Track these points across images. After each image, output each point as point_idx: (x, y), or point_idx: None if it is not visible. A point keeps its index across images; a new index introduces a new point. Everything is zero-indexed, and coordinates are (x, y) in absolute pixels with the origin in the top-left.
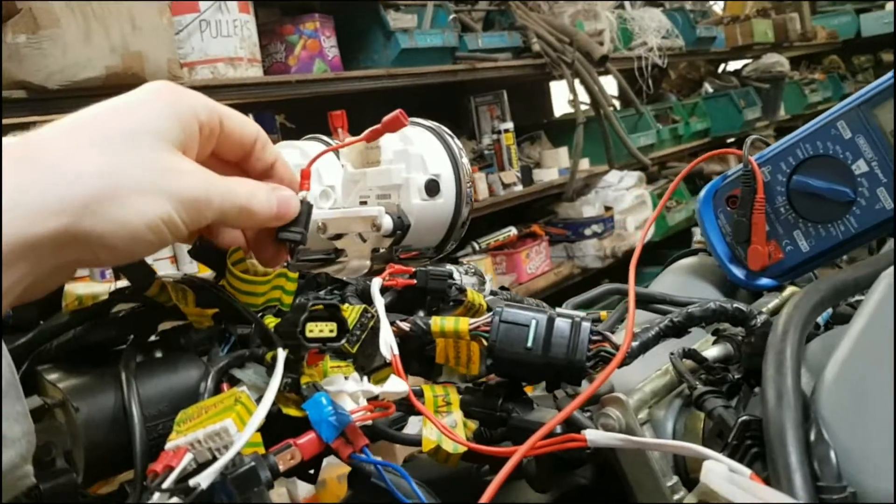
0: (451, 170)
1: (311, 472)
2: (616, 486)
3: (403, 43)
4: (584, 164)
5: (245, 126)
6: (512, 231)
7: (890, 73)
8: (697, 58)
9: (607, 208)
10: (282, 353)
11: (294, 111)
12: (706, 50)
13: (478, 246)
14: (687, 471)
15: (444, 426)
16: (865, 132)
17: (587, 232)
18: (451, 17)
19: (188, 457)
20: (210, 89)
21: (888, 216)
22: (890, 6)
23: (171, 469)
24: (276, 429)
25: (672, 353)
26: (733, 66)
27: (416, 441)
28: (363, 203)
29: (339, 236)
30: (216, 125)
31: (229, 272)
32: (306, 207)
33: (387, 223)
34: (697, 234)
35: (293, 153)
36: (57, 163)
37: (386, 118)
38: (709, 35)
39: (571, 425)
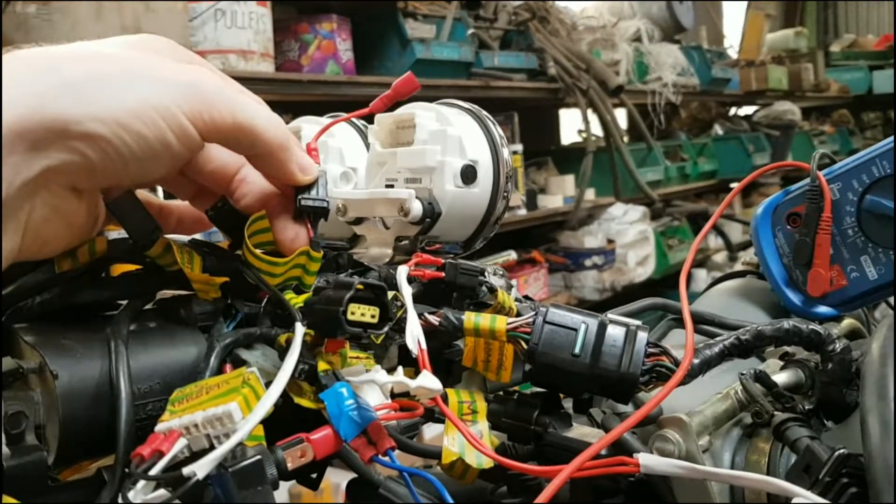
0: (490, 158)
1: (314, 475)
2: None
3: (419, 53)
4: (590, 194)
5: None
6: (512, 255)
7: None
8: (711, 98)
9: (609, 241)
10: (300, 329)
11: (302, 112)
12: (720, 91)
13: None
14: None
15: (472, 435)
16: None
17: (587, 263)
18: (470, 31)
19: (181, 442)
20: None
21: None
22: None
23: (160, 454)
24: (281, 425)
25: (743, 374)
26: (745, 111)
27: (433, 453)
28: (389, 187)
29: (359, 221)
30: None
31: (245, 247)
32: (321, 176)
33: (416, 208)
34: (699, 275)
35: (314, 129)
36: (47, 48)
37: (397, 81)
38: (724, 76)
39: (619, 447)
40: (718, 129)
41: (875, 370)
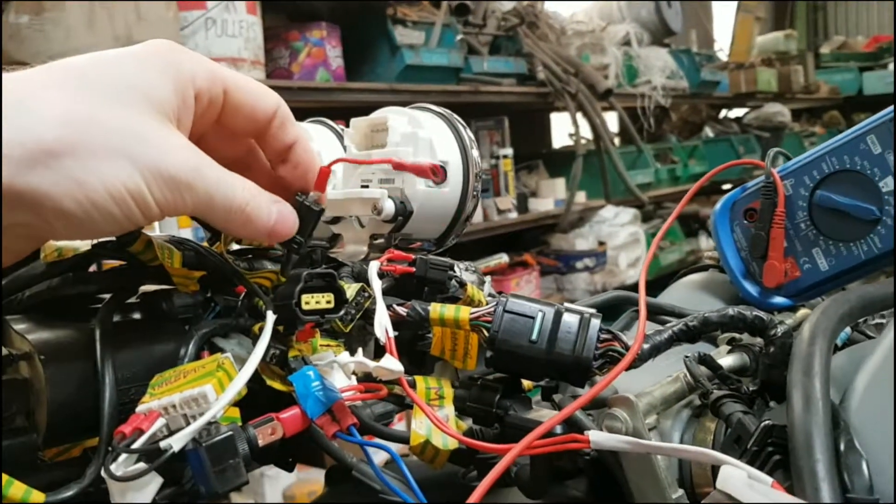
0: (459, 159)
1: (290, 459)
2: (611, 502)
3: (409, 59)
4: (581, 196)
5: (260, 99)
6: (503, 258)
7: None
8: (700, 100)
9: (601, 243)
10: (271, 317)
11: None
12: (709, 94)
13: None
14: (693, 485)
15: (436, 417)
16: None
17: (579, 265)
18: (459, 37)
19: (160, 421)
20: None
21: None
22: (893, 67)
23: (140, 432)
24: (259, 407)
25: (687, 357)
26: (735, 113)
27: (403, 438)
28: (365, 187)
29: (336, 220)
30: (218, 95)
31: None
32: (314, 213)
33: (388, 207)
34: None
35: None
36: (22, 99)
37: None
38: (713, 79)
39: (573, 427)
40: (709, 132)
41: (803, 348)
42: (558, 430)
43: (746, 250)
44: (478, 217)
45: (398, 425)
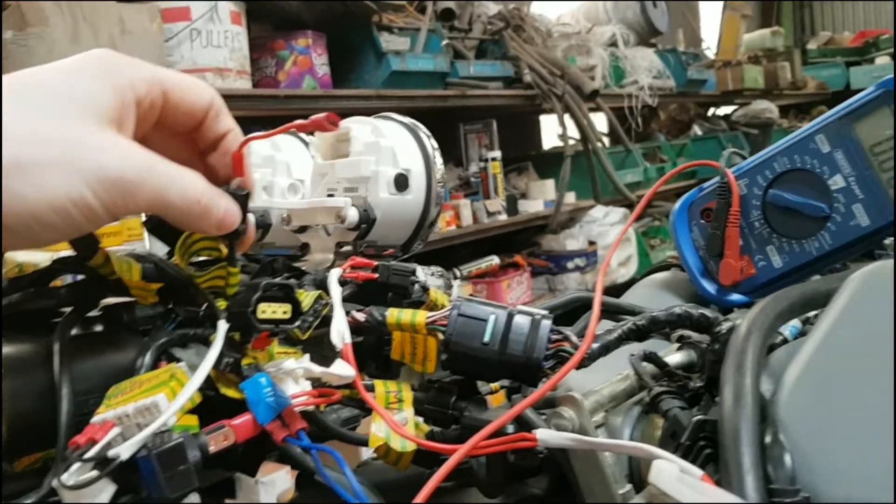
0: (422, 166)
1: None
2: (571, 499)
3: (395, 65)
4: (570, 197)
5: (197, 94)
6: (494, 260)
7: (872, 87)
8: (688, 99)
9: (591, 243)
10: (223, 325)
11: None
12: (696, 92)
13: (459, 273)
14: (642, 479)
15: (392, 420)
16: (844, 147)
17: (570, 265)
18: (444, 42)
19: (114, 431)
20: None
21: (863, 233)
22: (879, 61)
23: (93, 442)
24: (220, 415)
25: (632, 355)
26: (723, 110)
27: (366, 441)
28: (331, 196)
29: (303, 229)
30: (157, 98)
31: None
32: (241, 198)
33: (352, 215)
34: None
35: (263, 143)
36: None
37: (317, 117)
38: (700, 77)
39: (524, 426)
40: (697, 130)
41: (738, 344)
42: (510, 429)
43: (704, 249)
44: (468, 220)
45: None
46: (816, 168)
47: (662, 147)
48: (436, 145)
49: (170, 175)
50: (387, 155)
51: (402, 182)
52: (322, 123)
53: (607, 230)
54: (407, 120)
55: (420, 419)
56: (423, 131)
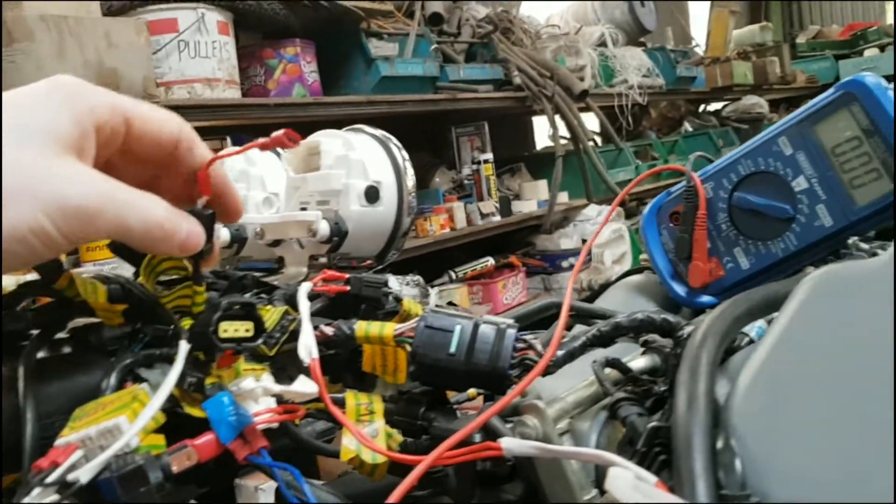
0: (393, 178)
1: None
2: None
3: (384, 71)
4: (563, 197)
5: (163, 126)
6: (489, 261)
7: (831, 90)
8: (677, 97)
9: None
10: (184, 346)
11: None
12: (686, 89)
13: (454, 275)
14: None
15: (360, 434)
16: (806, 149)
17: (564, 264)
18: (433, 47)
19: (77, 454)
20: (186, 109)
21: (827, 234)
22: (868, 53)
23: (56, 465)
24: (192, 432)
25: (594, 362)
26: (714, 107)
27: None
28: (303, 209)
29: (277, 243)
30: (119, 125)
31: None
32: (206, 218)
33: (323, 228)
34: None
35: (238, 158)
36: None
37: (276, 134)
38: (689, 75)
39: (492, 435)
40: (688, 127)
41: (693, 349)
42: (477, 438)
43: (673, 252)
44: (462, 222)
45: None
46: (780, 170)
47: (654, 145)
48: (406, 156)
49: (130, 201)
50: (357, 168)
51: (372, 194)
52: (281, 140)
53: None
54: (378, 132)
55: (396, 430)
56: (394, 143)
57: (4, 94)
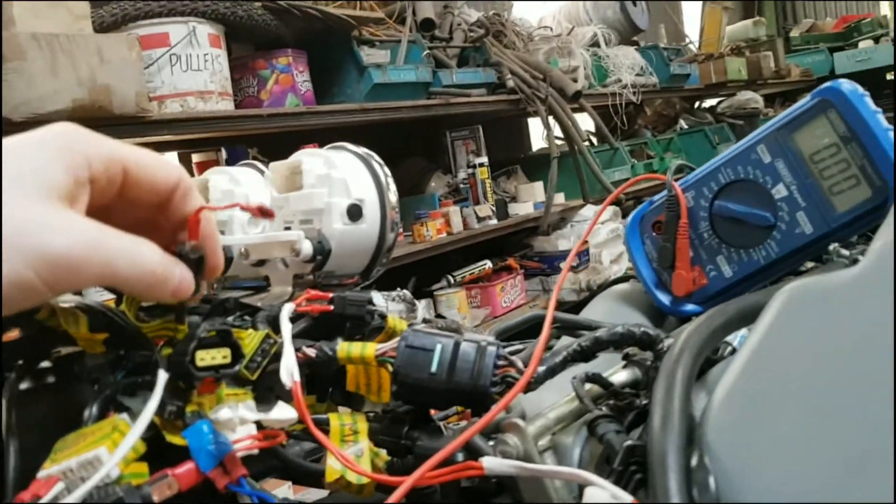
0: (375, 195)
1: None
2: None
3: (376, 78)
4: (560, 198)
5: (160, 173)
6: (487, 264)
7: (807, 97)
8: (671, 94)
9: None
10: (162, 376)
11: (267, 145)
12: (680, 87)
13: (452, 279)
14: None
15: (343, 456)
16: (784, 156)
17: (562, 265)
18: (425, 53)
19: (59, 486)
20: (180, 122)
21: (808, 240)
22: (862, 45)
23: (37, 498)
24: (177, 459)
25: (574, 378)
26: (710, 103)
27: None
28: (287, 229)
29: (262, 262)
30: (117, 174)
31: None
32: (193, 261)
33: (306, 248)
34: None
35: (222, 178)
36: None
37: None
38: (682, 72)
39: (475, 453)
40: (684, 124)
41: (669, 365)
42: (460, 456)
43: (657, 261)
44: (458, 226)
45: None
46: (760, 178)
47: (649, 143)
48: (388, 172)
49: (120, 248)
50: (339, 186)
51: (355, 212)
52: (253, 212)
53: (598, 228)
54: (360, 150)
55: (384, 449)
56: (376, 160)
57: (13, 137)
